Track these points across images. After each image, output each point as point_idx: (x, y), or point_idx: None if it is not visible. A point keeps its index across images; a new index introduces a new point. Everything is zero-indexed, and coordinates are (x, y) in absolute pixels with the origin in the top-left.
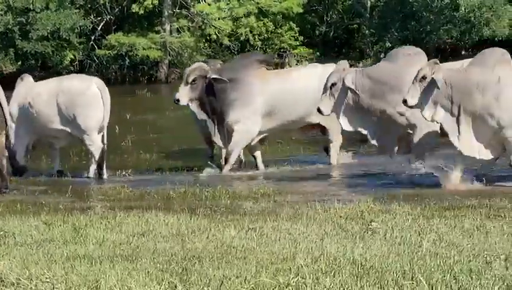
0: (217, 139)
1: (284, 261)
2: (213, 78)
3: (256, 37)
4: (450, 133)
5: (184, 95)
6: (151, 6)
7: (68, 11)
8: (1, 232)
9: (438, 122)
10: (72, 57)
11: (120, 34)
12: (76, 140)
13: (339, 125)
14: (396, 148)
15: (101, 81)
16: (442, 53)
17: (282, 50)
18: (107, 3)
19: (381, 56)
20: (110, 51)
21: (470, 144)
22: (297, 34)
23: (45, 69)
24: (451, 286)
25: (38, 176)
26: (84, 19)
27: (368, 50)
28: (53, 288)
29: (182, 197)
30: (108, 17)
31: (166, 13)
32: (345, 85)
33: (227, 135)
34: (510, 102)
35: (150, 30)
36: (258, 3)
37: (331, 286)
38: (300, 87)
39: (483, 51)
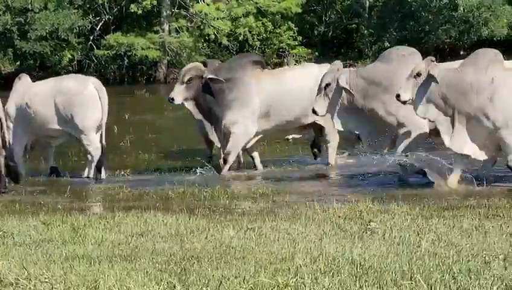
0: (215, 138)
1: (283, 261)
2: (209, 78)
3: (255, 37)
4: (442, 132)
5: (178, 94)
6: (149, 6)
7: (67, 11)
8: (0, 232)
9: (430, 121)
10: (71, 57)
11: (119, 34)
12: (74, 139)
13: None
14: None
15: (98, 81)
16: (440, 53)
17: (280, 50)
18: (105, 3)
19: None
20: (108, 51)
21: (463, 143)
22: (296, 34)
23: (44, 69)
24: (450, 285)
25: (37, 176)
26: (83, 19)
27: (366, 50)
28: (52, 288)
29: (181, 198)
30: (107, 17)
31: (165, 13)
32: (339, 85)
33: (224, 136)
34: (504, 102)
35: (148, 30)
36: (256, 3)
37: (329, 286)
38: (296, 87)
39: (476, 51)
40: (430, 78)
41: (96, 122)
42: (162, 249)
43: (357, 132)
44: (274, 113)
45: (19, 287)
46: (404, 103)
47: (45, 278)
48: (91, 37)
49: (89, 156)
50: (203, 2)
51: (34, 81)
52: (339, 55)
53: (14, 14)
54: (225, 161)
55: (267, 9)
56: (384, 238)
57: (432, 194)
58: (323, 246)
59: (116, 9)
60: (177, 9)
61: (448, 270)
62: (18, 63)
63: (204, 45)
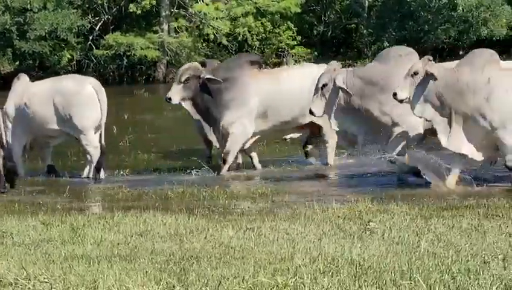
0: (213, 138)
1: (282, 261)
2: (207, 78)
3: (254, 37)
4: (439, 132)
5: (176, 93)
6: (149, 6)
7: (66, 11)
8: None
9: (427, 120)
10: (70, 57)
11: (118, 34)
12: (73, 139)
13: None
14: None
15: (97, 81)
16: (440, 53)
17: (280, 50)
18: (104, 3)
19: None
20: (108, 51)
21: (461, 143)
22: (295, 34)
23: (43, 69)
24: (449, 285)
25: (36, 176)
26: (82, 19)
27: (365, 50)
28: (51, 288)
29: (180, 198)
30: (106, 17)
31: (164, 13)
32: (336, 85)
33: (222, 136)
34: (501, 103)
35: (147, 30)
36: (256, 3)
37: (329, 286)
38: (294, 87)
39: (472, 51)
40: (427, 77)
41: (95, 122)
42: (161, 249)
43: (353, 132)
44: (272, 113)
45: (18, 287)
46: (401, 101)
47: (44, 278)
48: (90, 37)
49: (88, 156)
50: (202, 2)
51: (33, 81)
52: (338, 55)
53: (13, 14)
54: (224, 161)
55: (266, 9)
56: (383, 238)
57: (431, 194)
58: (322, 246)
59: (115, 9)
60: (176, 9)
61: (448, 270)
62: (17, 63)
63: (204, 44)
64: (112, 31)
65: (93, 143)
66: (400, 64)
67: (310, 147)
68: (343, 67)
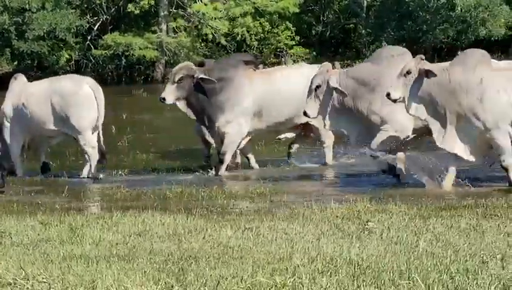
0: (211, 138)
1: (281, 261)
2: (201, 78)
3: (253, 36)
4: (434, 131)
5: (170, 93)
6: (147, 6)
7: (64, 11)
8: None
9: (421, 119)
10: (68, 57)
11: (116, 34)
12: (72, 139)
13: None
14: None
15: (94, 81)
16: (438, 53)
17: (278, 50)
18: (103, 3)
19: None
20: (106, 51)
21: (454, 143)
22: (293, 34)
23: (41, 69)
24: (447, 285)
25: (34, 176)
26: (81, 19)
27: (364, 50)
28: (50, 288)
29: (179, 197)
30: (105, 17)
31: (162, 13)
32: (330, 86)
33: (218, 136)
34: (493, 103)
35: (146, 30)
36: (254, 3)
37: (327, 286)
38: (288, 87)
39: (464, 51)
40: (421, 76)
41: (92, 122)
42: (159, 249)
43: (346, 132)
44: (266, 113)
45: (17, 287)
46: (394, 101)
47: (43, 278)
48: (89, 37)
49: (86, 156)
50: (201, 1)
51: (31, 81)
52: (337, 55)
53: (12, 14)
54: (221, 162)
55: (265, 9)
56: (382, 238)
57: (429, 194)
58: (321, 246)
59: (113, 9)
60: (174, 9)
61: (446, 270)
62: (15, 63)
63: (202, 44)
64: (111, 31)
65: (91, 143)
66: (392, 65)
67: (294, 147)
68: (341, 67)
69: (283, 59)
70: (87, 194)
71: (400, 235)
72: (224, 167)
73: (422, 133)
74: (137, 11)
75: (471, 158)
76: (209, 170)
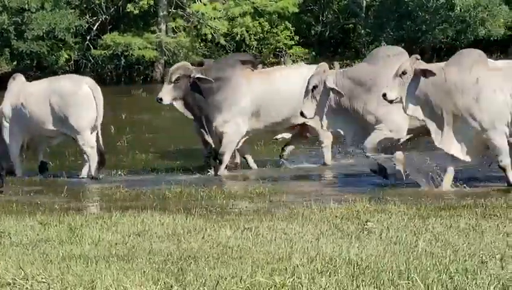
0: (210, 138)
1: (280, 261)
2: (197, 77)
3: (252, 36)
4: (432, 131)
5: (166, 93)
6: (146, 6)
7: (63, 11)
8: None
9: (419, 119)
10: (68, 56)
11: (115, 34)
12: (71, 139)
13: None
14: None
15: (93, 81)
16: (437, 52)
17: (277, 50)
18: (102, 3)
19: None
20: (105, 51)
21: (451, 143)
22: (292, 34)
23: (41, 69)
24: (446, 285)
25: (33, 176)
26: (80, 19)
27: (363, 50)
28: (49, 288)
29: (178, 197)
30: (104, 17)
31: (161, 13)
32: (327, 86)
33: (216, 136)
34: (490, 103)
35: (145, 30)
36: (253, 3)
37: (326, 286)
38: (286, 87)
39: (460, 51)
40: (417, 76)
41: (91, 122)
42: (159, 249)
43: (343, 132)
44: (264, 113)
45: (16, 287)
46: (390, 102)
47: (42, 278)
48: (88, 37)
49: (85, 156)
50: (200, 1)
51: (30, 81)
52: (336, 55)
53: (11, 14)
54: (220, 162)
55: (264, 9)
56: (381, 238)
57: (428, 194)
58: (320, 246)
59: (113, 9)
60: (173, 9)
61: (445, 270)
62: (15, 63)
63: (201, 44)
64: (110, 31)
65: (89, 143)
66: (389, 65)
67: (288, 149)
68: (341, 67)
69: (282, 59)
70: (86, 194)
71: (399, 235)
72: (223, 167)
73: (419, 133)
74: (136, 11)
75: (468, 158)
76: (209, 170)
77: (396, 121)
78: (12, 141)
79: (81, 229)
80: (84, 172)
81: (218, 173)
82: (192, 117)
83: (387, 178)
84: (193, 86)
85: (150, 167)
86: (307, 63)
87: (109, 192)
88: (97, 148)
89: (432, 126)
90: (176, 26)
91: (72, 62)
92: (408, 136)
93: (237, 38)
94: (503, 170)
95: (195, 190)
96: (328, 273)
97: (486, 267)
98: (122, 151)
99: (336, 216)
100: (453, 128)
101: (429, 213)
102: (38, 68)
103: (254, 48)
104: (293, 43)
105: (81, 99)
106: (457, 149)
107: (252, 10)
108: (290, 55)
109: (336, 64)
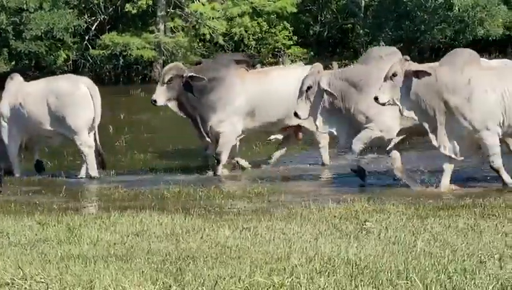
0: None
1: (279, 261)
2: (190, 76)
3: (251, 36)
4: (428, 132)
5: (160, 95)
6: (145, 6)
7: (62, 11)
8: None
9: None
10: (66, 56)
11: (114, 34)
12: (69, 140)
13: None
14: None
15: (90, 80)
16: (436, 52)
17: (276, 50)
18: (101, 3)
19: None
20: (104, 51)
21: (445, 143)
22: (291, 34)
23: (39, 69)
24: (445, 285)
25: (32, 176)
26: (78, 19)
27: (362, 50)
28: (47, 288)
29: (176, 197)
30: (102, 16)
31: (160, 13)
32: (321, 87)
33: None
34: (481, 103)
35: (144, 30)
36: (252, 2)
37: (325, 286)
38: (280, 88)
39: (453, 50)
40: (409, 77)
41: (88, 122)
42: (157, 249)
43: (336, 133)
44: (259, 113)
45: (15, 287)
46: (383, 104)
47: (41, 278)
48: (86, 37)
49: (83, 155)
50: (199, 1)
51: (28, 81)
52: (335, 55)
53: (9, 13)
54: (218, 162)
55: (263, 9)
56: (379, 237)
57: (427, 194)
58: (318, 245)
59: (111, 9)
60: (172, 9)
61: (444, 270)
62: (13, 62)
63: (200, 44)
64: (108, 30)
65: (87, 143)
66: (381, 65)
67: (279, 152)
68: (339, 67)
69: (281, 59)
70: (84, 194)
71: (398, 235)
72: (221, 166)
73: (414, 133)
74: (135, 11)
75: (461, 158)
76: (207, 171)
77: (386, 121)
78: (11, 141)
79: (79, 229)
80: (83, 172)
81: (217, 173)
82: (185, 117)
83: (363, 180)
84: (187, 86)
85: (148, 167)
86: (305, 63)
87: (108, 192)
88: (95, 149)
89: (427, 126)
90: (174, 26)
91: (71, 62)
92: (401, 137)
93: (236, 38)
94: (496, 171)
95: (193, 189)
96: (327, 273)
97: (485, 267)
98: (120, 151)
99: (335, 216)
100: (446, 128)
101: (428, 213)
102: (36, 68)
103: (253, 48)
104: (292, 43)
105: (79, 100)
106: (451, 149)
107: (251, 10)
108: (289, 55)
109: (335, 64)
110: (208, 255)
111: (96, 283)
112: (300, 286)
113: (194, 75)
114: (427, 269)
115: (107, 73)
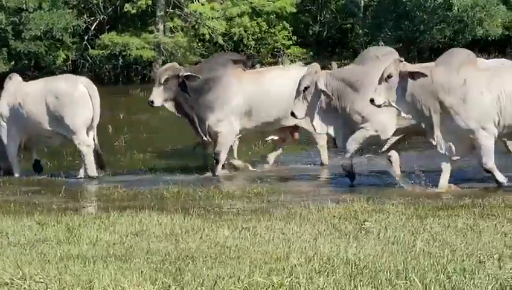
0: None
1: (278, 260)
2: (185, 75)
3: (250, 36)
4: (427, 132)
5: (157, 96)
6: (144, 6)
7: (61, 11)
8: None
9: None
10: (65, 56)
11: (113, 34)
12: (69, 140)
13: None
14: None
15: (89, 80)
16: (435, 52)
17: (275, 50)
18: (100, 3)
19: None
20: (103, 51)
21: (443, 143)
22: (290, 34)
23: (38, 69)
24: (444, 285)
25: (31, 176)
26: (78, 19)
27: (361, 50)
28: (46, 288)
29: (176, 197)
30: (102, 16)
31: (159, 13)
32: (318, 88)
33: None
34: (477, 104)
35: (143, 30)
36: (251, 2)
37: (324, 286)
38: (277, 89)
39: (450, 50)
40: (404, 78)
41: (87, 122)
42: (156, 249)
43: (333, 134)
44: (256, 113)
45: (14, 287)
46: (379, 106)
47: (40, 278)
48: (86, 37)
49: (81, 155)
50: (198, 1)
51: (27, 81)
52: (334, 54)
53: (9, 13)
54: (217, 161)
55: (262, 9)
56: (379, 237)
57: (426, 194)
58: (318, 245)
59: (110, 9)
60: (171, 9)
61: (443, 270)
62: (12, 62)
63: (199, 44)
64: (108, 30)
65: (85, 142)
66: (378, 65)
67: (276, 151)
68: (338, 67)
69: (280, 59)
70: (84, 194)
71: (397, 235)
72: (220, 166)
73: (411, 132)
74: (134, 11)
75: (457, 158)
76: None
77: (382, 121)
78: (10, 141)
79: (79, 229)
80: (82, 172)
81: (216, 173)
82: (183, 117)
83: (352, 181)
84: (183, 86)
85: (147, 166)
86: (304, 63)
87: (107, 192)
88: (94, 149)
89: (424, 126)
90: (173, 26)
91: (70, 62)
92: (398, 137)
93: (235, 38)
94: (488, 172)
95: (193, 189)
96: (326, 273)
97: (484, 267)
98: (120, 151)
99: (334, 216)
100: (442, 128)
101: (427, 213)
102: (36, 68)
103: (252, 48)
104: (291, 43)
105: (77, 100)
106: (448, 148)
107: (250, 10)
108: (288, 55)
109: (334, 64)
110: (207, 255)
111: (95, 283)
112: (300, 285)
113: (190, 74)
114: (426, 269)
115: (107, 73)
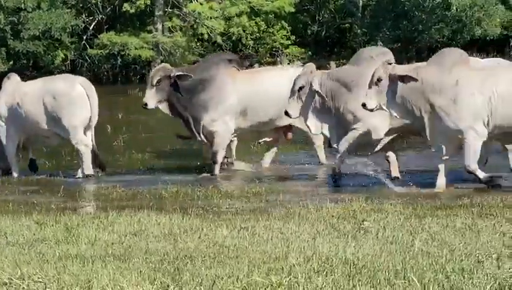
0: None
1: (276, 260)
2: (177, 75)
3: (248, 36)
4: (422, 132)
5: (150, 98)
6: (143, 5)
7: (60, 11)
8: None
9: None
10: (64, 56)
11: (112, 34)
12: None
13: None
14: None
15: (87, 80)
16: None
17: (274, 49)
18: (98, 3)
19: None
20: (102, 51)
21: (435, 142)
22: (289, 34)
23: (37, 69)
24: (443, 285)
25: (30, 175)
26: (76, 19)
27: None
28: (45, 288)
29: (174, 197)
30: (100, 16)
31: (158, 13)
32: (313, 88)
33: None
34: (467, 105)
35: (142, 30)
36: (250, 2)
37: (323, 285)
38: (271, 88)
39: (442, 50)
40: (394, 81)
41: (84, 122)
42: (155, 249)
43: (328, 134)
44: (251, 112)
45: (12, 286)
46: (371, 110)
47: (38, 277)
48: (84, 37)
49: (79, 154)
50: (197, 1)
51: (26, 80)
52: (332, 54)
53: (7, 13)
54: (214, 161)
55: (261, 8)
56: (377, 237)
57: (425, 194)
58: (316, 245)
59: (109, 8)
60: (170, 8)
61: (442, 270)
62: (11, 62)
63: (198, 44)
64: (106, 30)
65: (83, 141)
66: (372, 66)
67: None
68: (337, 67)
69: (279, 59)
70: (82, 194)
71: (396, 234)
72: (218, 166)
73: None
74: (132, 11)
75: (446, 157)
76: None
77: (374, 121)
78: (9, 140)
79: (77, 228)
80: (81, 172)
81: (214, 173)
82: (177, 117)
83: (337, 183)
84: (175, 86)
85: (146, 166)
86: (303, 63)
87: (105, 192)
88: (92, 150)
89: (417, 126)
90: (172, 26)
91: (69, 62)
92: (392, 136)
93: (234, 38)
94: (470, 173)
95: (191, 189)
96: (325, 272)
97: (483, 267)
98: (118, 151)
99: (333, 216)
100: (432, 128)
101: (425, 213)
102: (34, 68)
103: (251, 48)
104: (290, 42)
105: (75, 100)
106: (440, 148)
107: (249, 10)
108: (287, 55)
109: (332, 64)
110: (206, 254)
111: (94, 283)
112: (298, 285)
113: (181, 74)
114: (424, 268)
115: (105, 73)
